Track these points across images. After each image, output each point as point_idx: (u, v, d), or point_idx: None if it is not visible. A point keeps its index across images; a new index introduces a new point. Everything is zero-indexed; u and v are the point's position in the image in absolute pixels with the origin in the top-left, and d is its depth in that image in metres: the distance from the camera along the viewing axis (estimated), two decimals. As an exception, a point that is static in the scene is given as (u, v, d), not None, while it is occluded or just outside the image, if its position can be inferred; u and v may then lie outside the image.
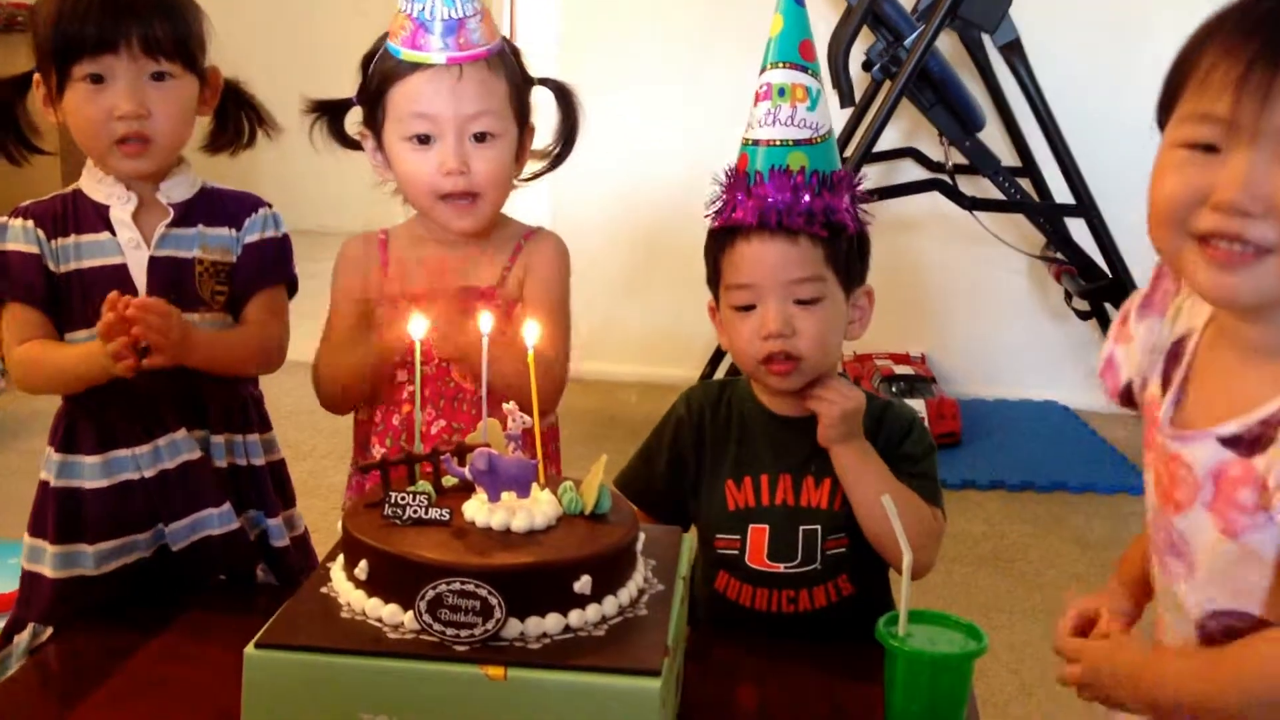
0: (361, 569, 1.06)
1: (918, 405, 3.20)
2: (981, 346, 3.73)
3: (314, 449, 3.17)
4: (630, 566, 1.12)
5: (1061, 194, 3.46)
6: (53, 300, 1.44)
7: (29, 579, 1.46)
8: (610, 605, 1.07)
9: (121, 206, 1.45)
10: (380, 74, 1.49)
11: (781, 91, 1.37)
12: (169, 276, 1.45)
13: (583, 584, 1.05)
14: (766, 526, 1.41)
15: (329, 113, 1.58)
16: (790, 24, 1.38)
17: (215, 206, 1.51)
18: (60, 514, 1.44)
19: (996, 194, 3.39)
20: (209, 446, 1.47)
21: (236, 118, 1.55)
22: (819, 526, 1.41)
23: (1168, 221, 0.94)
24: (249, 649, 1.01)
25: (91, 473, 1.43)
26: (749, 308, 1.39)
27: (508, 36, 1.52)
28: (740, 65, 3.54)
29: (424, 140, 1.48)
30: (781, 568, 1.42)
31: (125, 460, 1.43)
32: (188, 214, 1.48)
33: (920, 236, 3.64)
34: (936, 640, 1.17)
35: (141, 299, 1.35)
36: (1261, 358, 0.96)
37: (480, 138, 1.48)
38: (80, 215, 1.46)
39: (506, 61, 1.50)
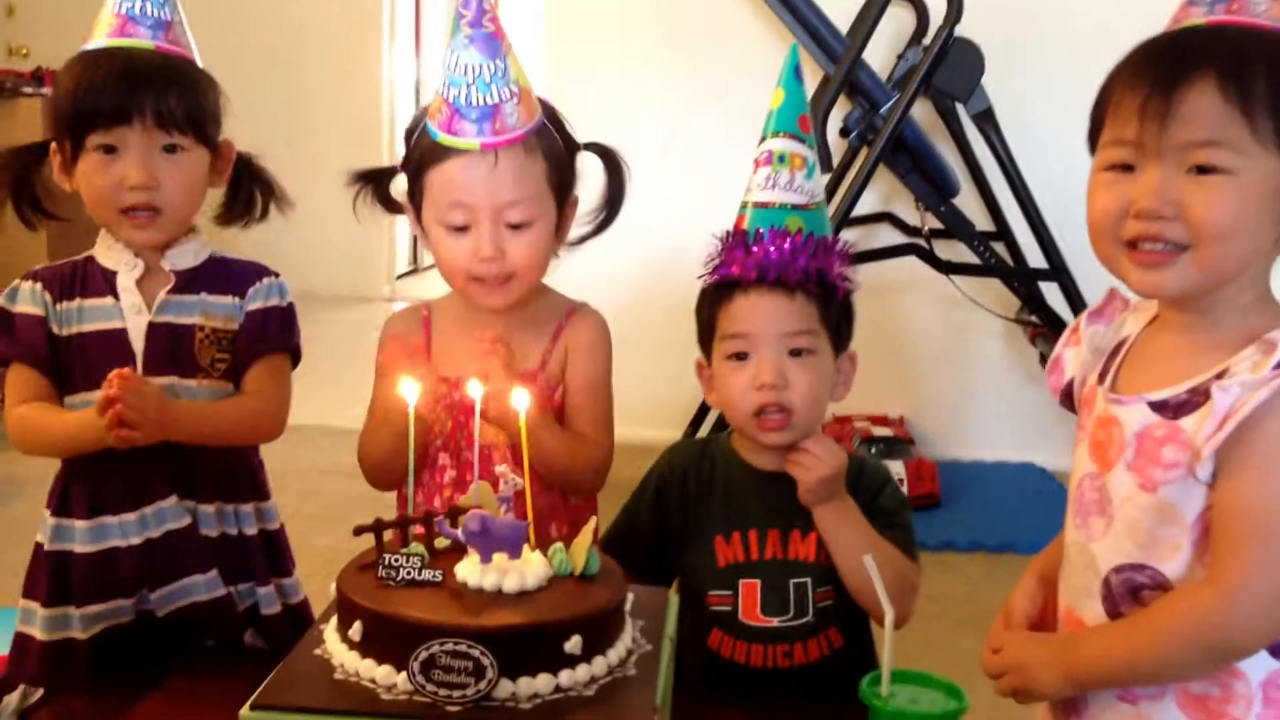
0: (355, 630, 1.07)
1: (896, 466, 3.23)
2: (959, 408, 3.77)
3: (298, 511, 3.16)
4: (619, 627, 1.14)
5: (1035, 258, 3.52)
6: (55, 363, 1.46)
7: (20, 640, 1.46)
8: (600, 665, 1.09)
9: (128, 272, 1.48)
10: (419, 153, 1.49)
11: (781, 159, 1.43)
12: (167, 343, 1.47)
13: (573, 644, 1.06)
14: (758, 581, 1.44)
15: (373, 181, 1.58)
16: (791, 98, 1.45)
17: (220, 274, 1.52)
18: (51, 577, 1.45)
19: (972, 258, 3.45)
20: (198, 515, 1.48)
21: (249, 190, 1.58)
22: (809, 579, 1.43)
23: (1102, 234, 1.09)
24: (244, 710, 1.02)
25: (82, 537, 1.45)
26: (742, 356, 1.42)
27: (546, 101, 1.52)
28: (722, 135, 3.63)
29: (460, 228, 1.47)
30: (775, 622, 1.44)
31: (112, 527, 1.45)
32: (191, 281, 1.50)
33: (898, 300, 3.70)
34: (919, 700, 1.19)
35: (121, 372, 1.36)
36: (1194, 343, 1.09)
37: (516, 225, 1.46)
38: (88, 280, 1.49)
39: (545, 139, 1.48)
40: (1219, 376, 1.03)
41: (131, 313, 1.47)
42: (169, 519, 1.45)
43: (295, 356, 1.56)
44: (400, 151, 1.54)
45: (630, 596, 1.18)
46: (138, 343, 1.46)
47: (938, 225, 3.48)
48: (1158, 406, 1.07)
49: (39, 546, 1.47)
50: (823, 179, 1.46)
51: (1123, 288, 1.15)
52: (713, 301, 1.45)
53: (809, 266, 1.40)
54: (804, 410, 1.42)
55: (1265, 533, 1.00)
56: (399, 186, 1.53)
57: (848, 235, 3.50)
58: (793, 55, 1.47)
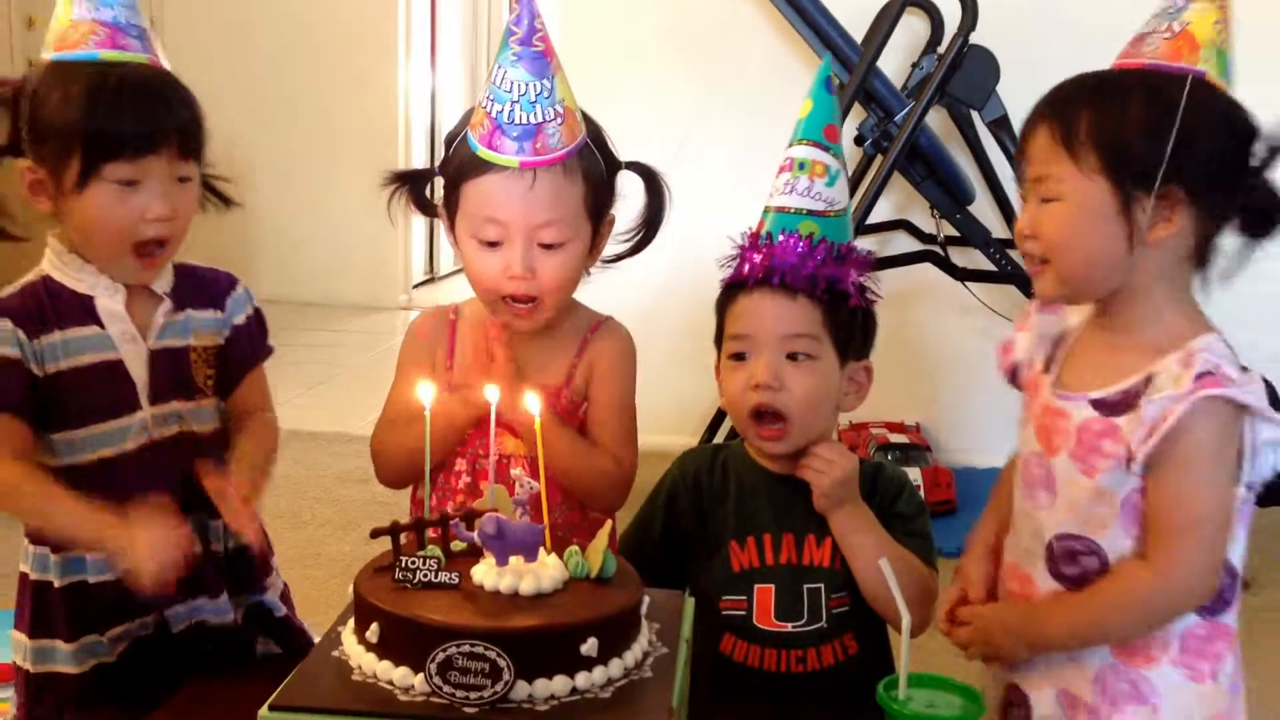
0: (373, 632, 1.08)
1: (913, 473, 3.22)
2: (975, 415, 3.75)
3: (312, 517, 3.17)
4: (635, 629, 1.15)
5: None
6: (35, 406, 1.35)
7: (41, 678, 1.40)
8: (616, 668, 1.09)
9: (110, 297, 1.39)
10: (458, 163, 1.46)
11: (802, 165, 1.45)
12: (170, 369, 1.42)
13: (589, 646, 1.07)
14: (772, 586, 1.44)
15: (409, 183, 1.55)
16: (819, 108, 1.46)
17: (195, 288, 1.47)
18: (70, 610, 1.39)
19: (987, 265, 3.44)
20: (207, 530, 1.43)
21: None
22: (822, 585, 1.43)
23: (1019, 249, 1.30)
24: (263, 711, 1.02)
25: (95, 568, 1.38)
26: (742, 357, 1.43)
27: (591, 119, 1.50)
28: (743, 140, 3.62)
29: (492, 243, 1.45)
30: (789, 627, 1.44)
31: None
32: (175, 300, 1.44)
33: (914, 307, 3.69)
34: (936, 704, 1.19)
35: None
36: (1121, 345, 1.26)
37: (548, 245, 1.45)
38: (61, 309, 1.38)
39: (586, 160, 1.45)
40: (1147, 380, 1.20)
41: (125, 341, 1.39)
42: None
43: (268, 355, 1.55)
44: (416, 160, 1.55)
45: (646, 599, 1.19)
46: (138, 372, 1.40)
47: (953, 232, 3.47)
48: (1097, 404, 1.24)
49: (24, 576, 1.41)
50: (845, 186, 1.48)
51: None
52: (722, 302, 1.47)
53: (816, 271, 1.40)
54: (799, 416, 1.41)
55: (1194, 523, 1.19)
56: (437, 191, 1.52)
57: (862, 243, 3.49)
58: (824, 68, 1.49)
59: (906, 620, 1.20)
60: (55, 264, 1.40)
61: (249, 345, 1.50)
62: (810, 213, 1.43)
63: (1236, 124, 1.21)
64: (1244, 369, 1.20)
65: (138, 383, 1.39)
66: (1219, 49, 1.22)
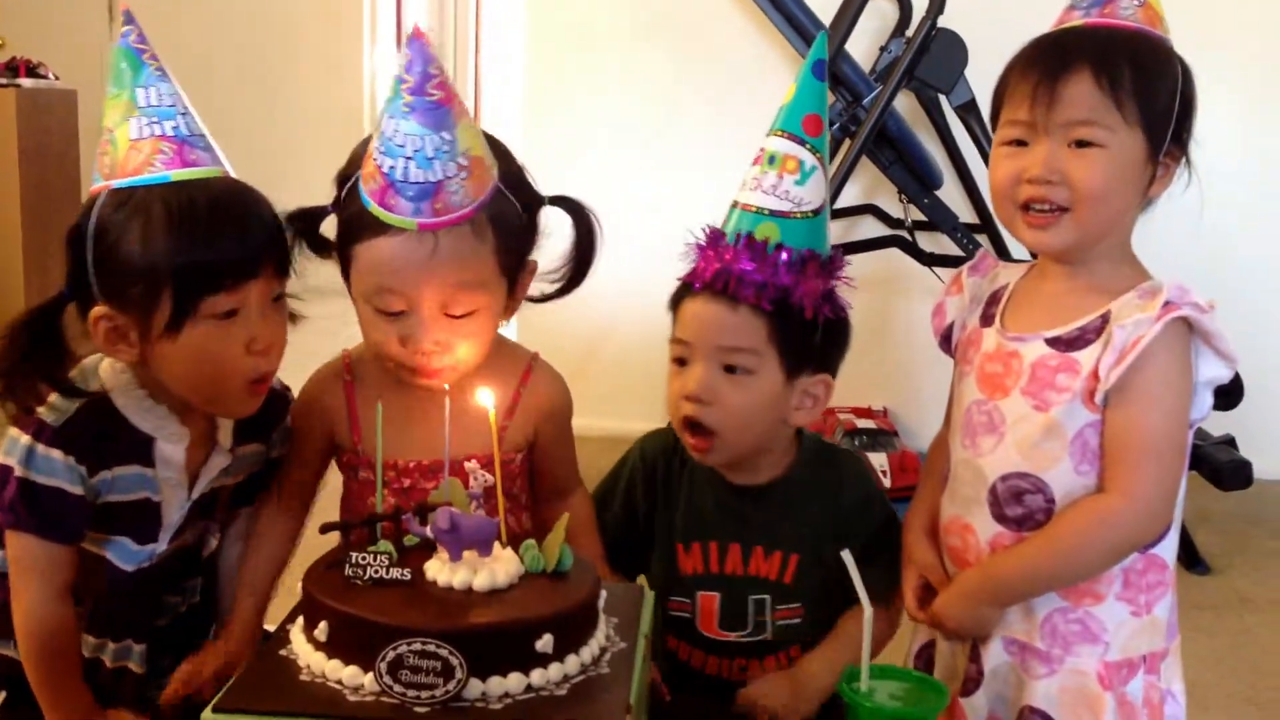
0: (321, 630, 1.05)
1: (879, 459, 3.22)
2: (941, 400, 3.75)
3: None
4: (592, 625, 1.12)
5: (1018, 249, 3.49)
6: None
7: None
8: (572, 664, 1.07)
9: (174, 445, 1.29)
10: (348, 219, 1.29)
11: (772, 159, 1.34)
12: (201, 511, 1.35)
13: (545, 643, 1.04)
14: (717, 594, 1.40)
15: (300, 223, 1.34)
16: (800, 95, 1.35)
17: (251, 420, 1.34)
18: None
19: (955, 250, 3.44)
20: (184, 591, 1.40)
21: None
22: (768, 596, 1.40)
23: (1001, 197, 1.29)
24: (207, 714, 0.99)
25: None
26: (683, 362, 1.37)
27: (505, 152, 1.33)
28: (708, 130, 3.60)
29: (392, 313, 1.29)
30: (733, 636, 1.41)
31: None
32: (234, 443, 1.35)
33: (881, 292, 3.68)
34: (898, 695, 1.18)
35: None
36: (1075, 288, 1.29)
37: (459, 315, 1.29)
38: (120, 445, 1.27)
39: (497, 208, 1.28)
40: (1105, 319, 1.24)
41: (169, 487, 1.30)
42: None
43: None
44: None
45: (604, 593, 1.16)
46: (172, 517, 1.31)
47: (921, 217, 3.46)
48: (1052, 341, 1.27)
49: None
50: (821, 185, 1.35)
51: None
52: (674, 301, 1.40)
53: (767, 281, 1.31)
54: (729, 432, 1.35)
55: (1156, 449, 1.23)
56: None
57: (830, 228, 3.47)
58: (817, 48, 1.36)
59: (868, 612, 1.18)
60: (123, 397, 1.27)
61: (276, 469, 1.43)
62: (773, 213, 1.33)
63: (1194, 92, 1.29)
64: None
65: (167, 526, 1.32)
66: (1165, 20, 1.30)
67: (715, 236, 1.36)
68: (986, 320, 1.36)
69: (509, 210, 1.30)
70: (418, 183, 1.22)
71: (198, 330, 1.21)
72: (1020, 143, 1.27)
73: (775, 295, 1.32)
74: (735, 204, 1.36)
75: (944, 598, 1.32)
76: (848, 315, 1.40)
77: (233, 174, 1.28)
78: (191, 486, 1.32)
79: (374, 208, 1.25)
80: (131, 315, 1.22)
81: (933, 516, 1.40)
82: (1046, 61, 1.25)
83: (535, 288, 1.41)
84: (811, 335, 1.35)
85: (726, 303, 1.33)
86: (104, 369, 1.28)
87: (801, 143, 1.34)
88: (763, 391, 1.35)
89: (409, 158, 1.22)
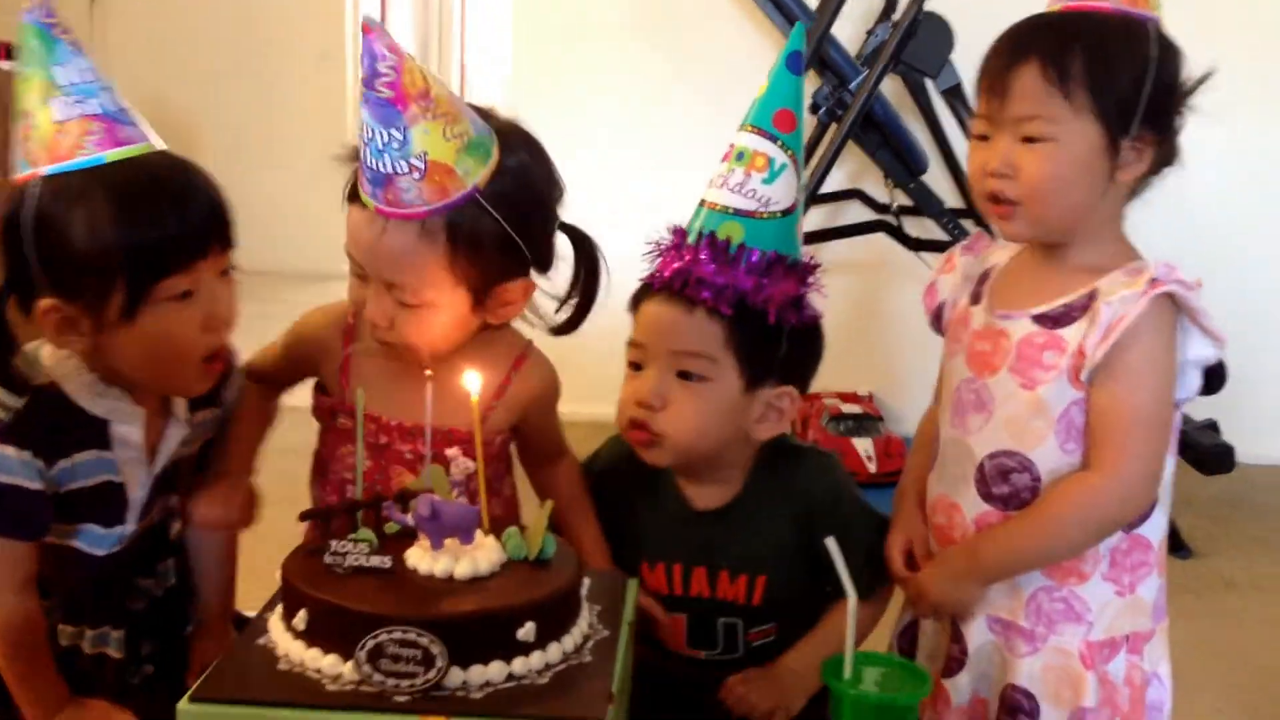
0: (300, 619, 1.04)
1: (865, 444, 3.21)
2: (927, 385, 3.74)
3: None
4: (575, 613, 1.11)
5: (1004, 234, 3.50)
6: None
7: None
8: (554, 652, 1.06)
9: (131, 426, 1.26)
10: (352, 177, 1.32)
11: (740, 156, 1.29)
12: (165, 485, 1.32)
13: (526, 631, 1.04)
14: (684, 616, 1.37)
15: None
16: (773, 90, 1.30)
17: None
18: None
19: (941, 235, 3.43)
20: (156, 574, 1.38)
21: None
22: (739, 620, 1.36)
23: (974, 190, 1.31)
24: (183, 704, 0.99)
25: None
26: (639, 367, 1.33)
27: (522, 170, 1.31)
28: (703, 128, 3.56)
29: (359, 274, 1.32)
30: (704, 654, 1.38)
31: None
32: (190, 412, 1.33)
33: (866, 277, 3.67)
34: (882, 682, 1.17)
35: None
36: (1060, 267, 1.29)
37: (403, 303, 1.29)
38: (74, 433, 1.24)
39: (462, 219, 1.26)
40: (1091, 296, 1.24)
41: (130, 465, 1.27)
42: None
43: None
44: None
45: (587, 581, 1.16)
46: (136, 495, 1.29)
47: (907, 202, 3.45)
48: (1038, 319, 1.27)
49: None
50: (792, 184, 1.30)
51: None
52: (632, 303, 1.35)
53: (727, 283, 1.26)
54: (677, 439, 1.30)
55: (1141, 426, 1.23)
56: None
57: (816, 213, 3.47)
58: (793, 40, 1.32)
59: (852, 599, 1.17)
60: (72, 383, 1.24)
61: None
62: (738, 212, 1.28)
63: (1181, 69, 1.27)
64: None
65: (133, 504, 1.30)
66: None
67: (679, 236, 1.31)
68: (975, 299, 1.36)
69: (480, 224, 1.27)
70: (372, 169, 1.24)
71: (153, 314, 1.19)
72: (984, 137, 1.28)
73: (734, 298, 1.26)
74: (702, 202, 1.32)
75: (928, 573, 1.33)
76: (819, 324, 1.35)
77: (162, 146, 1.25)
78: (152, 462, 1.30)
79: (360, 176, 1.28)
80: (82, 305, 1.19)
81: (923, 486, 1.40)
82: (1002, 55, 1.26)
83: (548, 314, 1.42)
84: (775, 343, 1.30)
85: (683, 305, 1.28)
86: (46, 356, 1.26)
87: (773, 139, 1.29)
88: (719, 401, 1.30)
89: (367, 143, 1.24)
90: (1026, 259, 1.35)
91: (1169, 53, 1.25)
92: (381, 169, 1.23)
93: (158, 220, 1.17)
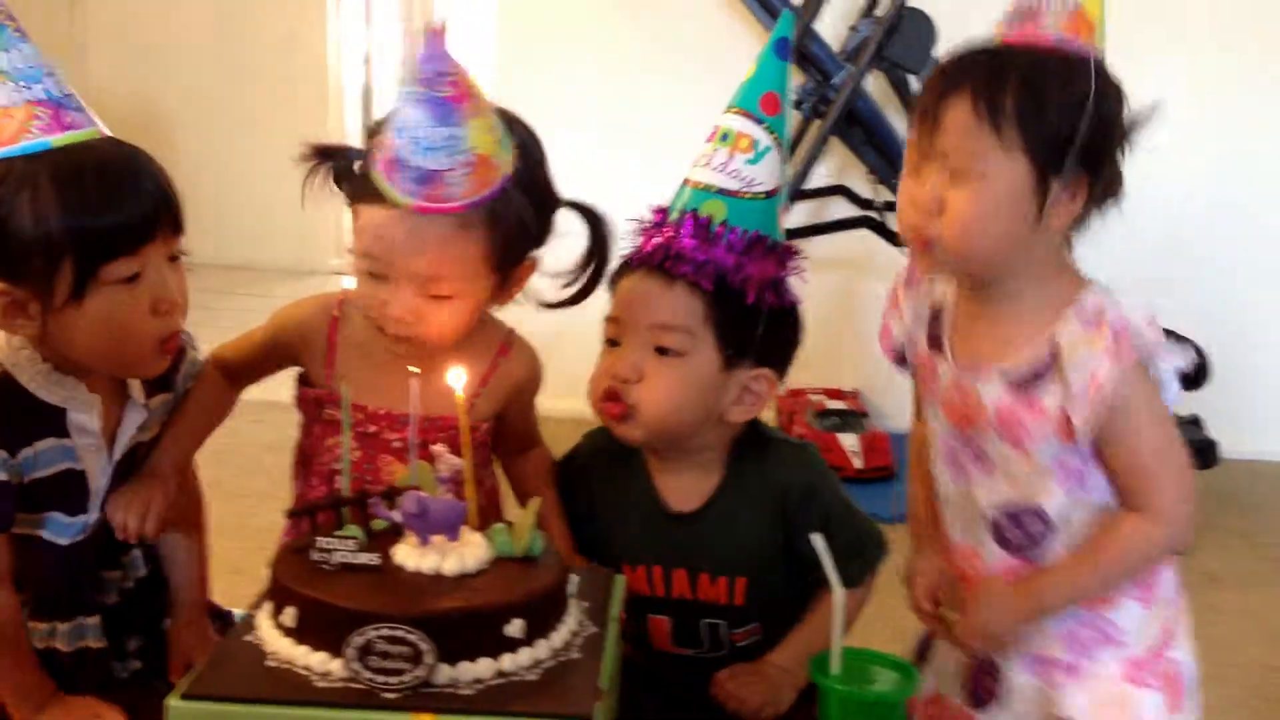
0: (288, 616, 1.04)
1: (850, 440, 3.22)
2: (911, 381, 3.78)
3: (238, 487, 3.11)
4: (563, 609, 1.12)
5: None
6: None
7: None
8: (543, 649, 1.06)
9: (87, 412, 1.26)
10: (360, 176, 1.31)
11: (725, 137, 1.30)
12: (125, 471, 1.31)
13: (514, 627, 1.04)
14: (666, 618, 1.36)
15: (329, 159, 1.36)
16: (760, 73, 1.32)
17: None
18: None
19: (925, 231, 3.45)
20: (122, 567, 1.37)
21: None
22: (723, 621, 1.35)
23: (899, 221, 1.26)
24: (173, 700, 0.98)
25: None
26: (615, 344, 1.32)
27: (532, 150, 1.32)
28: (682, 103, 3.58)
29: (377, 275, 1.30)
30: (690, 653, 1.37)
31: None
32: (146, 397, 1.33)
33: (851, 273, 3.68)
34: (870, 679, 1.17)
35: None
36: (1006, 312, 1.24)
37: (435, 296, 1.29)
38: (35, 422, 1.24)
39: (499, 207, 1.28)
40: (1053, 350, 1.20)
41: (89, 453, 1.27)
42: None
43: None
44: (349, 122, 1.44)
45: (575, 578, 1.16)
46: (98, 483, 1.29)
47: (891, 198, 3.46)
48: (1008, 383, 1.23)
49: None
50: (776, 167, 1.31)
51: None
52: (611, 280, 1.35)
53: (704, 258, 1.26)
54: (651, 412, 1.29)
55: (1170, 467, 1.23)
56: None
57: (800, 209, 3.47)
58: (781, 26, 1.33)
59: (839, 595, 1.18)
60: (26, 373, 1.24)
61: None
62: (721, 191, 1.28)
63: (1123, 106, 1.21)
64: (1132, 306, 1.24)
65: (94, 493, 1.29)
66: (1103, 28, 1.21)
67: (660, 215, 1.32)
68: (934, 342, 1.32)
69: (512, 209, 1.30)
70: (417, 167, 1.23)
71: (101, 296, 1.19)
72: (915, 167, 1.24)
73: (715, 274, 1.26)
74: (685, 181, 1.33)
75: (979, 618, 1.27)
76: (797, 308, 1.35)
77: (108, 132, 1.25)
78: (111, 448, 1.30)
79: (378, 176, 1.26)
80: (30, 288, 1.19)
81: (934, 519, 1.37)
82: (936, 86, 1.22)
83: (546, 290, 1.41)
84: (753, 322, 1.30)
85: (662, 279, 1.29)
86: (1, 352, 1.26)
87: (758, 121, 1.30)
88: (694, 376, 1.29)
89: (413, 141, 1.23)
90: (973, 303, 1.29)
91: (1108, 89, 1.19)
92: (429, 167, 1.23)
93: (103, 203, 1.18)
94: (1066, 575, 1.26)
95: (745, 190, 1.29)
